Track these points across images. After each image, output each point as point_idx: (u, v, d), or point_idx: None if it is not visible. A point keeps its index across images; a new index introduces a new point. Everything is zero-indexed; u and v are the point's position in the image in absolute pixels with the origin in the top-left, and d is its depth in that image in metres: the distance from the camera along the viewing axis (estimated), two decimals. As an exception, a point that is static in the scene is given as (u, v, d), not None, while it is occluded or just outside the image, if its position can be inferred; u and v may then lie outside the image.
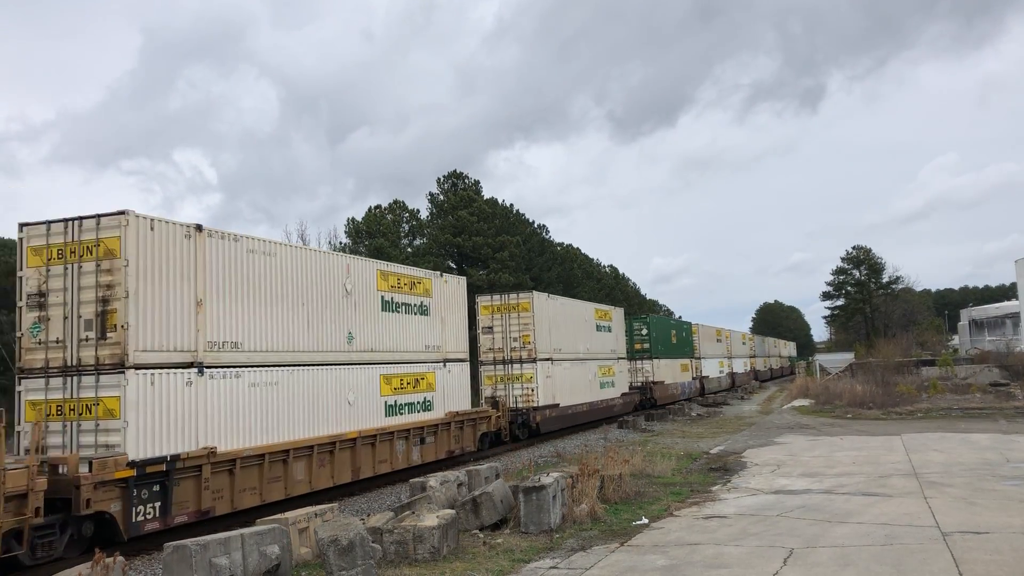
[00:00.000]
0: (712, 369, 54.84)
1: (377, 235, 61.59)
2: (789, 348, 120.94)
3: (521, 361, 26.46)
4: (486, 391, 26.31)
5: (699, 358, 50.99)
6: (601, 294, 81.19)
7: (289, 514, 10.63)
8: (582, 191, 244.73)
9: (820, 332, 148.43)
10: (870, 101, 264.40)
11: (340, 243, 62.24)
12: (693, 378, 48.69)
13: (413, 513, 10.58)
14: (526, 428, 25.68)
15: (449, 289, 21.63)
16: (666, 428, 29.09)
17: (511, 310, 26.79)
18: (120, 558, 8.20)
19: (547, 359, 27.07)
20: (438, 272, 21.81)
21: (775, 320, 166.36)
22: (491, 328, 26.92)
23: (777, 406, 38.43)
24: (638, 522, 11.71)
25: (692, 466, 17.91)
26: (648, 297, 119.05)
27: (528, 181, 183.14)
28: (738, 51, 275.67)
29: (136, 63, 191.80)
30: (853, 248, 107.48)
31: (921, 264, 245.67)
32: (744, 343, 71.56)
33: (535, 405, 25.91)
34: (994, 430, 21.66)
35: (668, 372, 42.69)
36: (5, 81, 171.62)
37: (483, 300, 27.52)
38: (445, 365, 20.76)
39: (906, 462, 16.36)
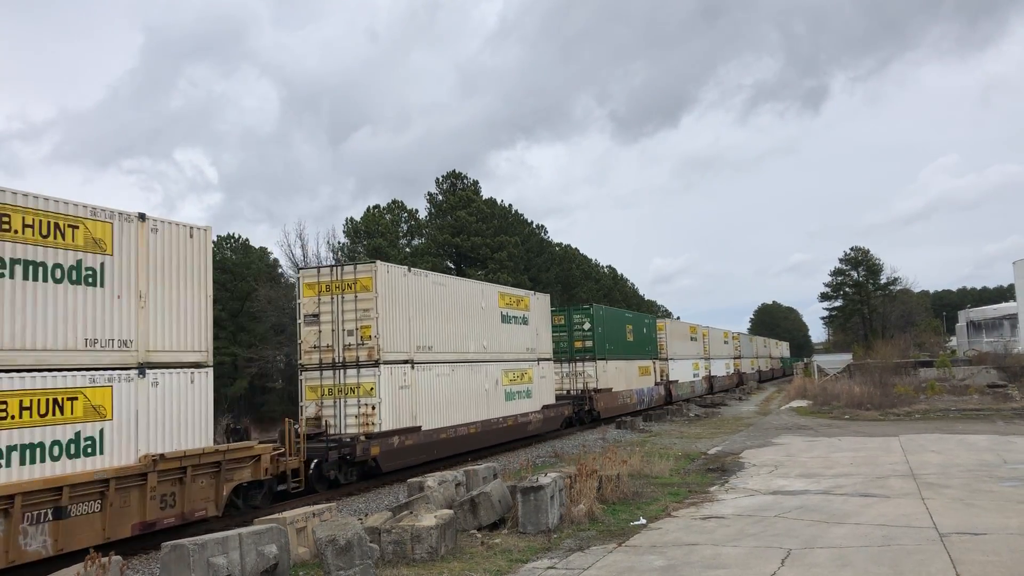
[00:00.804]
0: (683, 372, 47.12)
1: (376, 235, 61.57)
2: (781, 348, 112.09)
3: (358, 365, 18.01)
4: (308, 409, 18.29)
5: (667, 359, 43.75)
6: (599, 294, 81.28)
7: (287, 513, 10.63)
8: (583, 191, 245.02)
9: (818, 333, 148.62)
10: (872, 102, 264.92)
11: (338, 243, 62.20)
12: (657, 383, 41.01)
13: (411, 513, 10.58)
14: (353, 468, 17.58)
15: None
16: (664, 428, 29.11)
17: (346, 289, 18.37)
18: (117, 557, 8.19)
19: (403, 361, 18.91)
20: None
21: (773, 321, 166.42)
22: (316, 316, 18.56)
23: (775, 407, 38.45)
24: (636, 522, 11.71)
25: (690, 467, 17.92)
26: (647, 298, 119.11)
27: (529, 181, 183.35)
28: (741, 51, 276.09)
29: (138, 62, 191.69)
30: (851, 249, 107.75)
31: (921, 265, 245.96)
32: (727, 342, 63.76)
33: (375, 431, 17.68)
34: (991, 431, 21.69)
35: (619, 377, 35.15)
36: (7, 80, 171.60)
37: (307, 276, 19.10)
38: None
39: (904, 463, 16.38)
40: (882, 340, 58.25)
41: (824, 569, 8.60)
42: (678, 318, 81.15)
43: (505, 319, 24.85)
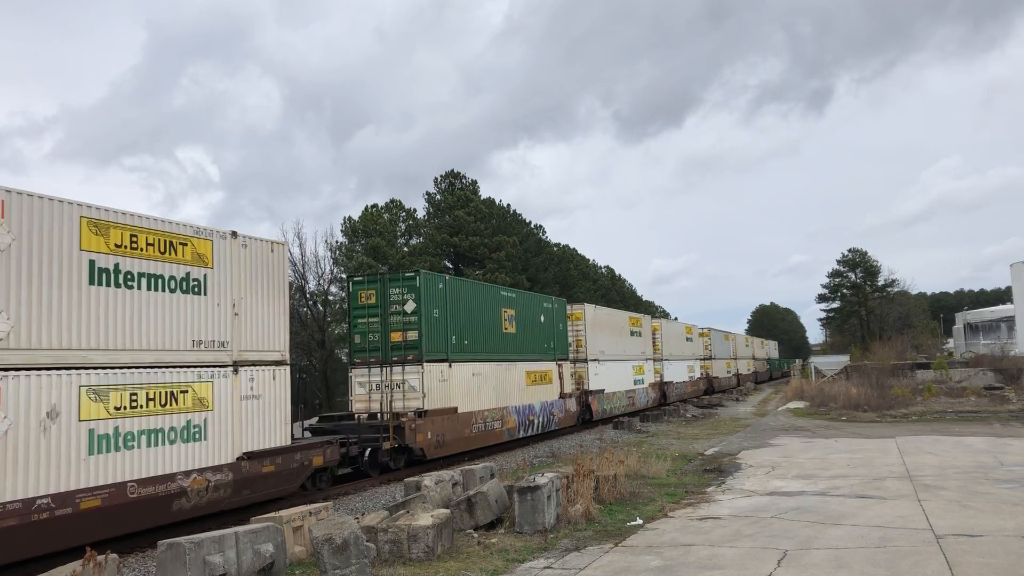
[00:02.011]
0: (616, 378, 34.15)
1: (373, 234, 61.55)
2: (769, 348, 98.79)
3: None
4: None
5: (586, 360, 31.03)
6: (597, 295, 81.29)
7: (283, 512, 10.62)
8: (585, 191, 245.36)
9: (816, 334, 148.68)
10: (875, 104, 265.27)
11: (336, 242, 62.17)
12: (565, 395, 28.65)
13: (408, 512, 10.57)
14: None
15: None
16: (661, 429, 29.12)
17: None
18: (114, 555, 8.19)
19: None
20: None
21: (771, 322, 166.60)
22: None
23: (772, 408, 38.47)
24: (633, 523, 11.71)
25: (687, 467, 17.92)
26: (645, 298, 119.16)
27: (531, 181, 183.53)
28: (747, 52, 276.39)
29: (140, 59, 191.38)
30: (849, 251, 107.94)
31: (920, 267, 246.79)
32: (691, 339, 51.24)
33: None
34: (988, 433, 21.71)
35: (483, 392, 22.93)
36: (10, 77, 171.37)
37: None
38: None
39: (900, 465, 16.39)
40: (879, 342, 58.28)
41: (820, 570, 8.60)
42: (675, 319, 77.64)
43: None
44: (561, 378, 28.62)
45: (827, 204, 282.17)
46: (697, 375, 51.49)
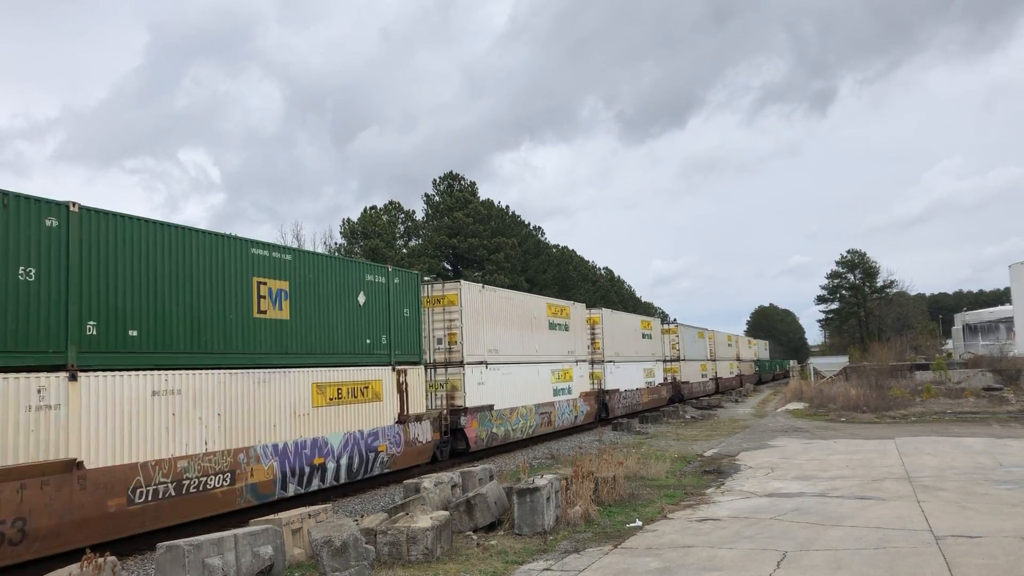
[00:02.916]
0: (517, 390, 24.85)
1: (372, 236, 61.55)
2: (757, 348, 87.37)
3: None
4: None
5: (462, 364, 21.66)
6: (596, 296, 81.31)
7: (283, 514, 10.61)
8: (587, 192, 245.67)
9: (815, 336, 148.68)
10: (877, 104, 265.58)
11: (335, 244, 62.15)
12: (398, 422, 18.21)
13: (407, 514, 10.56)
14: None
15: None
16: (660, 431, 29.12)
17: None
18: (112, 558, 8.18)
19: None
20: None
21: (770, 323, 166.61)
22: None
23: (771, 409, 38.49)
24: (632, 524, 11.71)
25: (686, 469, 17.92)
26: (644, 300, 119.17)
27: (533, 182, 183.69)
28: (750, 53, 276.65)
29: (143, 60, 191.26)
30: (848, 252, 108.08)
31: (920, 268, 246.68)
32: (648, 336, 39.91)
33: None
34: (987, 434, 21.73)
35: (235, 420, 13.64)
36: (12, 78, 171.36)
37: None
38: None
39: (900, 466, 16.40)
40: (878, 343, 58.29)
41: (820, 571, 8.60)
42: (675, 320, 77.11)
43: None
44: (403, 393, 18.52)
45: (828, 205, 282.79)
46: (659, 381, 41.09)
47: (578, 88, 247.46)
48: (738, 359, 69.14)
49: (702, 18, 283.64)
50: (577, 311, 31.24)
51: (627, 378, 35.70)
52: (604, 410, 32.89)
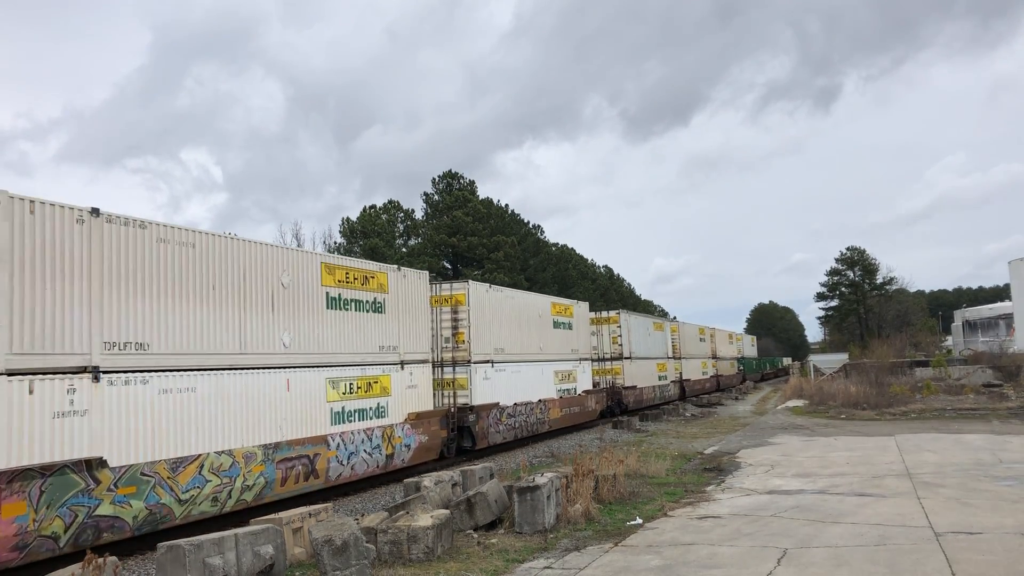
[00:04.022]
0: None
1: (372, 235, 61.54)
2: (743, 344, 75.36)
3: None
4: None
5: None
6: (596, 294, 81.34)
7: (283, 514, 10.61)
8: (589, 191, 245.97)
9: (815, 333, 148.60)
10: (881, 101, 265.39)
11: (335, 243, 62.14)
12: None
13: (407, 513, 10.57)
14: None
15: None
16: (661, 428, 29.13)
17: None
18: (112, 558, 8.18)
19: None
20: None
21: (770, 321, 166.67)
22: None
23: (771, 407, 38.51)
24: (632, 522, 11.71)
25: (686, 466, 17.93)
26: (644, 298, 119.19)
27: (536, 181, 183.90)
28: (755, 50, 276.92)
29: (146, 60, 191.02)
30: (847, 249, 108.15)
31: (922, 264, 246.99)
32: (569, 327, 29.45)
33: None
34: (987, 431, 21.73)
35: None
36: (14, 79, 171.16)
37: None
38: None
39: (900, 462, 16.41)
40: (878, 340, 58.34)
41: (820, 568, 8.61)
42: (675, 318, 68.11)
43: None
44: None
45: (830, 202, 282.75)
46: (582, 384, 30.03)
47: (582, 86, 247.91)
48: (714, 356, 57.73)
49: (707, 15, 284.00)
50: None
51: (518, 388, 24.97)
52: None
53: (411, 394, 18.74)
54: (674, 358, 45.80)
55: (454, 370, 21.77)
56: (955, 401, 30.64)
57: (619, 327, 36.81)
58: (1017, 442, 18.91)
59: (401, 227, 70.32)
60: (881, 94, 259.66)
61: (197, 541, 8.00)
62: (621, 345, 36.79)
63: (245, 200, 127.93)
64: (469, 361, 21.84)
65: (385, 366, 17.77)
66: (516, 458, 21.03)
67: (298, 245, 55.58)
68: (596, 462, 14.59)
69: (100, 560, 7.85)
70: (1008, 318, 53.00)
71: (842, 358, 56.61)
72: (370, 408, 17.08)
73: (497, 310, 23.71)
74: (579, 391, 29.94)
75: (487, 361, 22.75)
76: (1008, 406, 28.21)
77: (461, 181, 71.21)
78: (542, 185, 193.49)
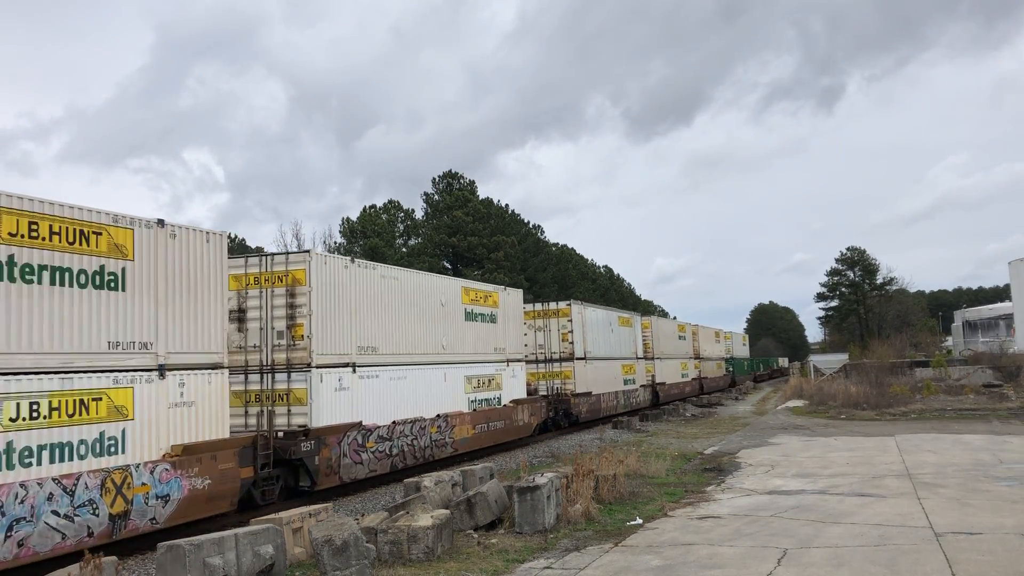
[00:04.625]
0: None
1: (372, 235, 61.56)
2: (732, 343, 68.61)
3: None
4: None
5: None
6: (596, 294, 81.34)
7: (283, 514, 10.61)
8: (591, 190, 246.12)
9: (815, 333, 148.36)
10: (884, 101, 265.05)
11: (335, 243, 62.17)
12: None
13: (407, 513, 10.57)
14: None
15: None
16: (661, 428, 29.14)
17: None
18: (112, 558, 8.19)
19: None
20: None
21: (769, 321, 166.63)
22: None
23: (771, 407, 38.52)
24: (632, 522, 11.72)
25: (686, 466, 17.93)
26: (644, 298, 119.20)
27: (537, 181, 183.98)
28: (759, 50, 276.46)
29: (148, 60, 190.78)
30: (847, 249, 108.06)
31: (924, 264, 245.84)
32: (491, 320, 23.43)
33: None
34: (987, 431, 21.74)
35: None
36: (17, 79, 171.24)
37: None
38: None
39: (900, 463, 16.41)
40: (878, 340, 58.33)
41: (820, 569, 8.61)
42: (675, 318, 67.78)
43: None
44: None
45: (832, 202, 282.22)
46: (511, 392, 24.25)
47: (585, 86, 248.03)
48: (697, 356, 52.35)
49: (711, 15, 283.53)
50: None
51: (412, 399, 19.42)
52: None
53: (179, 416, 12.24)
54: (645, 358, 39.81)
55: (289, 378, 15.67)
56: (955, 401, 30.64)
57: (570, 321, 30.40)
58: (1017, 442, 18.91)
59: (401, 227, 70.34)
60: (884, 94, 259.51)
61: (197, 541, 8.00)
62: (572, 343, 30.27)
63: (247, 200, 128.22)
64: (310, 365, 15.62)
65: (118, 373, 11.28)
66: (516, 458, 20.95)
67: (298, 246, 55.66)
68: (596, 462, 14.59)
69: (99, 560, 7.85)
70: (1008, 318, 52.97)
71: (842, 358, 56.49)
72: (80, 442, 10.62)
73: (366, 294, 17.40)
74: (505, 401, 23.54)
75: (344, 365, 16.58)
76: (1008, 406, 28.21)
77: (461, 181, 71.23)
78: (544, 185, 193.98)
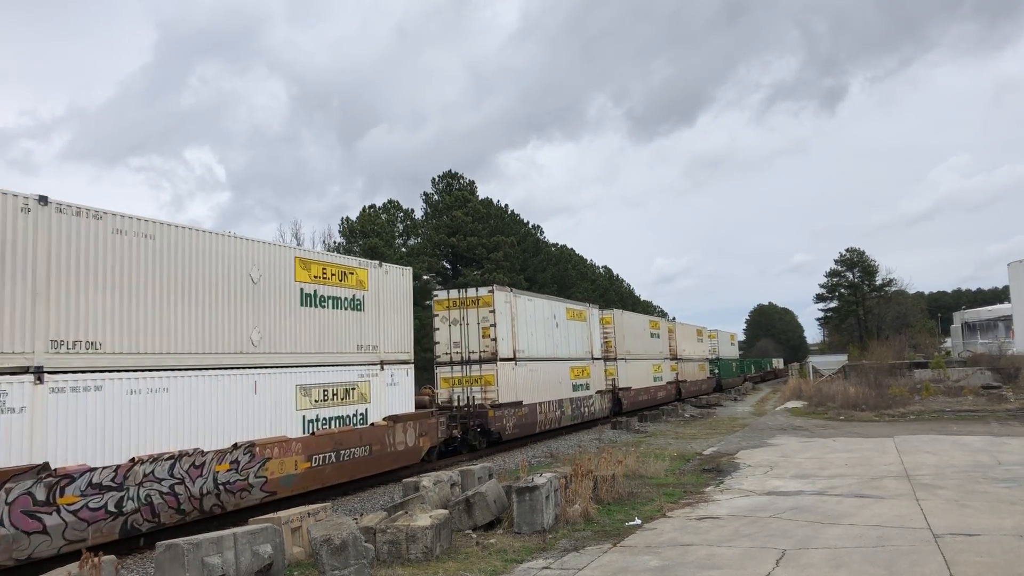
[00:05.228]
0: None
1: (371, 235, 61.52)
2: (717, 342, 62.61)
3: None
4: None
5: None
6: (595, 294, 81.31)
7: (282, 513, 10.61)
8: (592, 191, 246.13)
9: (814, 334, 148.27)
10: (886, 102, 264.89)
11: (334, 242, 62.14)
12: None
13: (406, 513, 10.57)
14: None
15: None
16: (660, 429, 29.15)
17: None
18: (111, 556, 8.18)
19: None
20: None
21: (769, 322, 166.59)
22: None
23: (770, 408, 38.54)
24: (631, 523, 11.72)
25: (685, 467, 17.94)
26: (643, 298, 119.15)
27: (539, 180, 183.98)
28: (762, 51, 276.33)
29: (150, 58, 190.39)
30: (847, 250, 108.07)
31: (924, 265, 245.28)
32: (356, 307, 17.74)
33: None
34: (986, 432, 21.74)
35: None
36: (19, 77, 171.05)
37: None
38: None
39: (898, 464, 16.42)
40: (877, 341, 58.28)
41: (819, 570, 8.61)
42: (674, 319, 58.67)
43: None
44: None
45: (833, 203, 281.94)
46: (387, 406, 18.66)
47: (588, 86, 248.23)
48: (673, 357, 46.83)
49: (715, 16, 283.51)
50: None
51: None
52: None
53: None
54: (606, 359, 34.81)
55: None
56: (954, 403, 30.65)
57: (493, 312, 24.09)
58: (1016, 444, 18.92)
59: (401, 227, 70.33)
60: (886, 95, 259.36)
61: (196, 540, 8.00)
62: (496, 340, 23.99)
63: (248, 199, 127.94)
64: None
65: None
66: (515, 458, 20.96)
67: (297, 244, 55.62)
68: (595, 462, 14.59)
69: (96, 559, 7.85)
70: (1007, 320, 53.00)
71: (841, 359, 56.48)
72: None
73: (76, 258, 11.45)
74: (374, 419, 18.09)
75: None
76: (1007, 408, 28.23)
77: (461, 181, 71.21)
78: (545, 185, 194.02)
